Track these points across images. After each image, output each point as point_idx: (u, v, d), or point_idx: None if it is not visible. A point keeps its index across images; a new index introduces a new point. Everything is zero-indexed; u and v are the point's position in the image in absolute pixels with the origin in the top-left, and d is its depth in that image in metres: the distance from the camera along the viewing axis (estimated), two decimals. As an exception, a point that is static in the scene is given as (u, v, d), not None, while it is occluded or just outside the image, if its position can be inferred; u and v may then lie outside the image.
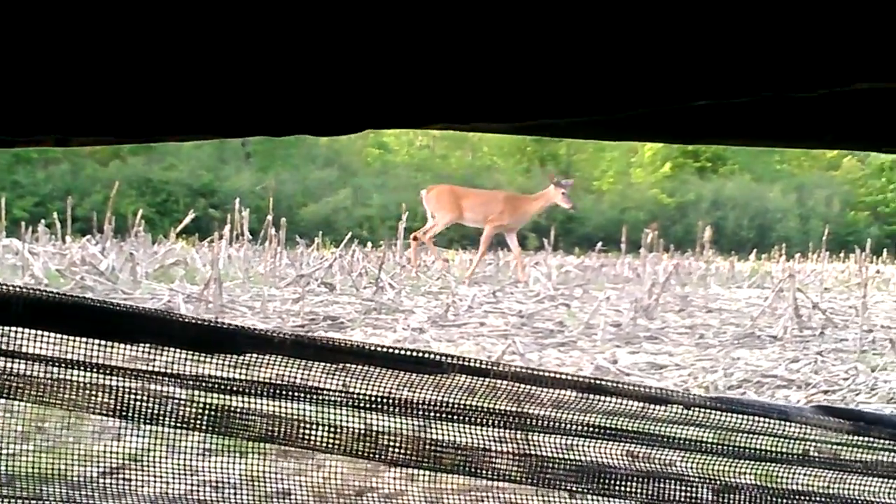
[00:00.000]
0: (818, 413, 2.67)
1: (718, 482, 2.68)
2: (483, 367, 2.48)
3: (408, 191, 36.83)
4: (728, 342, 9.94)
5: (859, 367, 8.33)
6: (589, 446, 2.62)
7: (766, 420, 2.64)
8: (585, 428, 2.59)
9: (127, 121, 1.79)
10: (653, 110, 1.93)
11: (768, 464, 2.70)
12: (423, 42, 1.64)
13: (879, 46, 1.59)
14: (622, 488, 2.64)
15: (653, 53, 1.65)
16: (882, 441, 2.68)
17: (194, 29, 1.61)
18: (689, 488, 2.66)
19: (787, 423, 2.65)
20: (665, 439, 2.63)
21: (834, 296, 16.77)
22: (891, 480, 2.71)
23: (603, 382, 2.58)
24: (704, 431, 2.63)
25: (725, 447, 2.66)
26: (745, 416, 2.63)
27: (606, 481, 2.63)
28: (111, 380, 2.40)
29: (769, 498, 2.68)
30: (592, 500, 2.68)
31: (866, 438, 2.67)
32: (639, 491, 2.64)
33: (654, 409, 2.58)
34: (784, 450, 2.68)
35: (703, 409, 2.59)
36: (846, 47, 1.60)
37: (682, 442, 2.64)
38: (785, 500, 2.69)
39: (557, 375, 2.56)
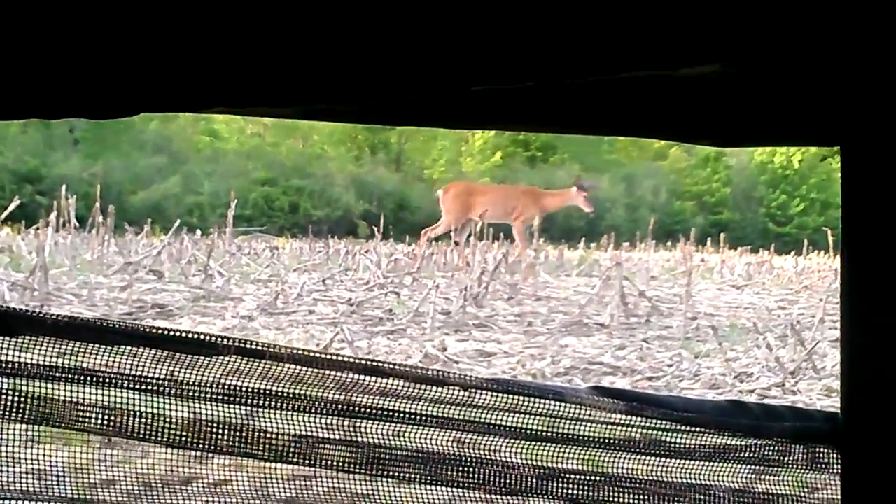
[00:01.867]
0: (593, 394, 2.73)
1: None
2: (259, 348, 2.49)
3: (238, 178, 36.68)
4: (556, 330, 10.08)
5: (683, 354, 8.53)
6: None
7: (594, 406, 2.69)
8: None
9: None
10: (432, 95, 1.96)
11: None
12: (199, 24, 1.64)
13: (616, 39, 1.65)
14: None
15: (427, 39, 1.68)
16: (654, 421, 2.74)
17: None
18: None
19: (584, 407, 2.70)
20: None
21: (660, 284, 17.09)
22: (662, 459, 2.77)
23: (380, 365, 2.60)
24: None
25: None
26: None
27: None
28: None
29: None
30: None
31: (639, 418, 2.73)
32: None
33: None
34: (565, 431, 2.73)
35: (480, 391, 2.62)
36: (612, 36, 1.66)
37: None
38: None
39: (338, 358, 2.58)
